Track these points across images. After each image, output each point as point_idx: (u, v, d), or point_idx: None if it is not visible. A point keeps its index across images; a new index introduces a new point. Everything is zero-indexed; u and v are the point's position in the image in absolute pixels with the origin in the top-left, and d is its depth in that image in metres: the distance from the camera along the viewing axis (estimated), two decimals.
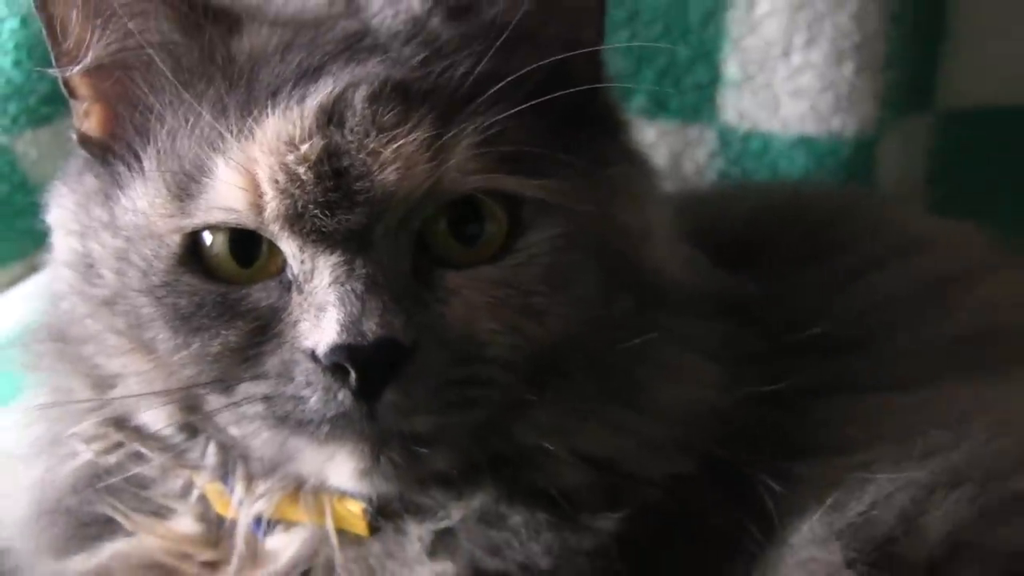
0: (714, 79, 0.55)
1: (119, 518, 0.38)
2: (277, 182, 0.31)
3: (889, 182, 0.58)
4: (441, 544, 0.35)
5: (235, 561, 0.36)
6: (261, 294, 0.33)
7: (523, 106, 0.32)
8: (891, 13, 0.52)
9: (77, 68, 0.35)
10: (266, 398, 0.32)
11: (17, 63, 0.55)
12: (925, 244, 0.47)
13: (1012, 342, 0.43)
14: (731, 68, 0.54)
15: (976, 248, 0.48)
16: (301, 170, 0.31)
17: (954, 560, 0.35)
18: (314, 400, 0.31)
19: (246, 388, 0.32)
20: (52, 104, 0.57)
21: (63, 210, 0.37)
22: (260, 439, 0.34)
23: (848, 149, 0.55)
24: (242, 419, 0.34)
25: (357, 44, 0.35)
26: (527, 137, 0.33)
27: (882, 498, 0.36)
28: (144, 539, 0.38)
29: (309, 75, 0.33)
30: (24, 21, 0.56)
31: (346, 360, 0.30)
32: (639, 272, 0.37)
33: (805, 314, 0.40)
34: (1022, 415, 0.38)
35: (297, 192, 0.31)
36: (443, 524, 0.35)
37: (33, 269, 0.58)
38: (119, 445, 0.38)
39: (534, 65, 0.33)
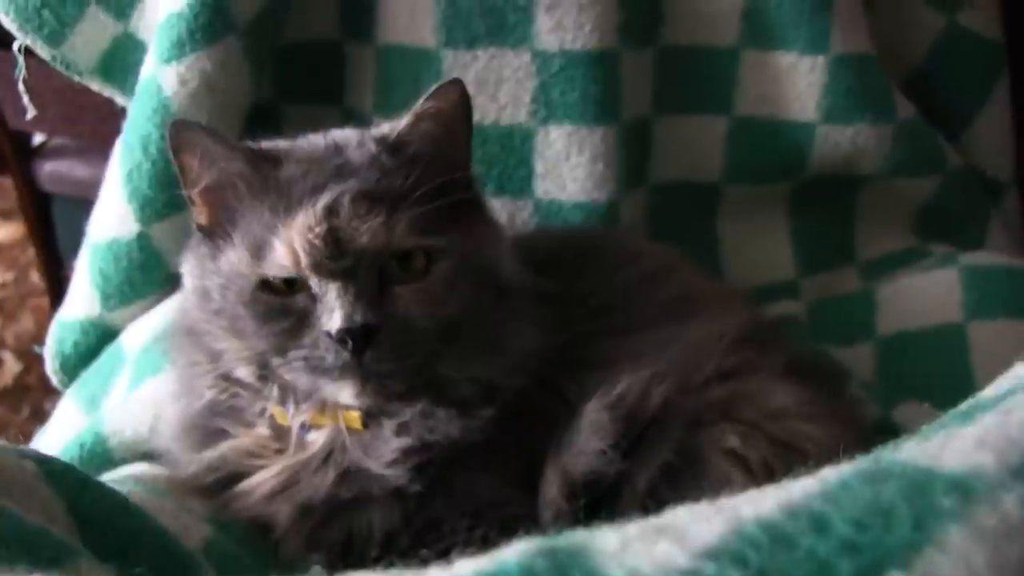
0: (529, 174, 0.80)
1: (228, 428, 0.60)
2: (305, 250, 0.53)
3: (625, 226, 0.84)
4: (401, 429, 0.57)
5: (291, 449, 0.58)
6: (299, 302, 0.55)
7: (433, 204, 0.55)
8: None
9: (195, 190, 0.58)
10: (304, 358, 0.55)
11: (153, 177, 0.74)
12: (646, 254, 0.72)
13: (696, 303, 0.67)
14: (539, 168, 0.80)
15: (674, 254, 0.74)
16: (317, 242, 0.53)
17: (664, 413, 0.57)
18: (330, 358, 0.54)
19: (293, 353, 0.55)
20: (176, 207, 0.75)
21: (189, 263, 0.60)
22: (301, 380, 0.56)
23: (603, 209, 0.81)
24: (292, 370, 0.56)
25: (342, 171, 0.56)
26: (435, 215, 0.56)
27: (627, 387, 0.57)
28: (242, 440, 0.59)
29: (318, 189, 0.55)
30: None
31: (346, 336, 0.53)
32: (495, 279, 0.60)
33: (586, 296, 0.64)
34: (694, 341, 0.61)
35: (315, 254, 0.53)
36: (401, 419, 0.57)
37: (157, 300, 0.78)
38: (225, 389, 0.60)
39: (438, 180, 0.56)
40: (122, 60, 0.83)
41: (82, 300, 0.80)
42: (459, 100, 0.57)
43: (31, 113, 0.92)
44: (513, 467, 0.58)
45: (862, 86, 0.83)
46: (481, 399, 0.57)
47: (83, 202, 1.05)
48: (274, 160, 0.57)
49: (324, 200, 0.53)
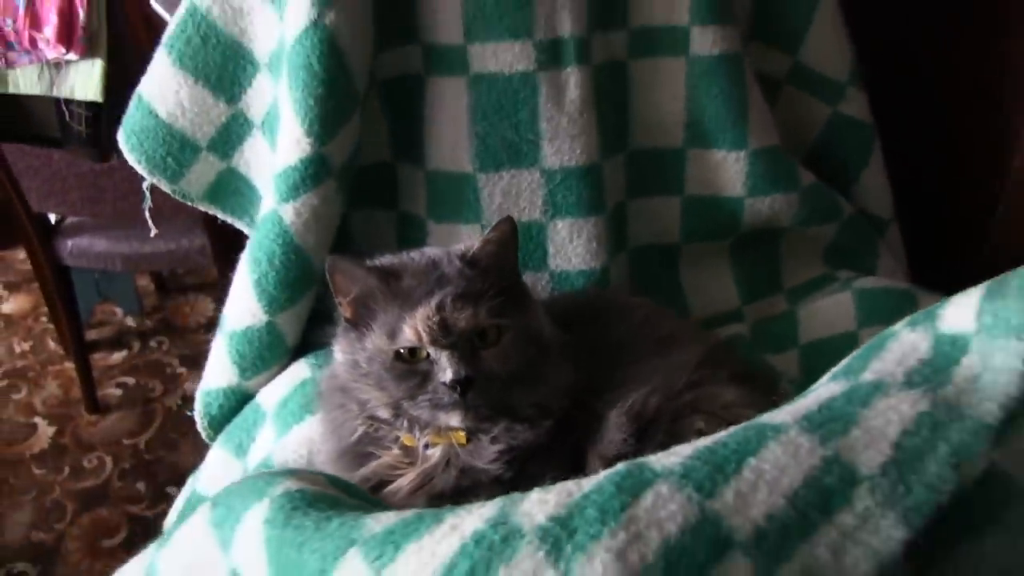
0: (544, 255, 1.10)
1: (374, 452, 0.83)
2: (425, 332, 0.76)
3: (614, 283, 1.13)
4: (494, 440, 0.78)
5: (419, 461, 0.80)
6: (422, 365, 0.77)
7: (499, 297, 0.77)
8: None
9: (345, 299, 0.82)
10: (429, 400, 0.77)
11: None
12: (635, 308, 0.96)
13: (673, 340, 0.90)
14: (551, 250, 1.09)
15: (652, 306, 0.99)
16: (433, 327, 0.76)
17: (658, 413, 0.79)
18: (446, 398, 0.76)
19: (421, 398, 0.77)
20: (292, 302, 1.03)
21: (340, 344, 0.83)
22: (424, 414, 0.78)
23: (597, 274, 1.10)
24: (418, 408, 0.78)
25: (441, 280, 0.79)
26: (501, 304, 0.78)
27: (634, 399, 0.79)
28: (385, 458, 0.82)
29: (429, 293, 0.78)
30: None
31: (455, 384, 0.75)
32: (540, 339, 0.82)
33: (598, 342, 0.88)
34: (672, 365, 0.83)
35: (432, 334, 0.75)
36: (493, 434, 0.78)
37: (281, 369, 1.05)
38: (371, 425, 0.83)
39: (500, 282, 0.79)
40: (225, 188, 1.11)
41: (222, 372, 1.06)
42: (511, 231, 0.82)
43: (153, 232, 1.26)
44: (566, 457, 0.80)
45: (773, 168, 1.12)
46: (540, 416, 0.80)
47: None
48: (396, 275, 0.82)
49: (435, 300, 0.78)
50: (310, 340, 1.09)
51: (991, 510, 0.53)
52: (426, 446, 0.82)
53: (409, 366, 0.79)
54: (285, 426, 0.99)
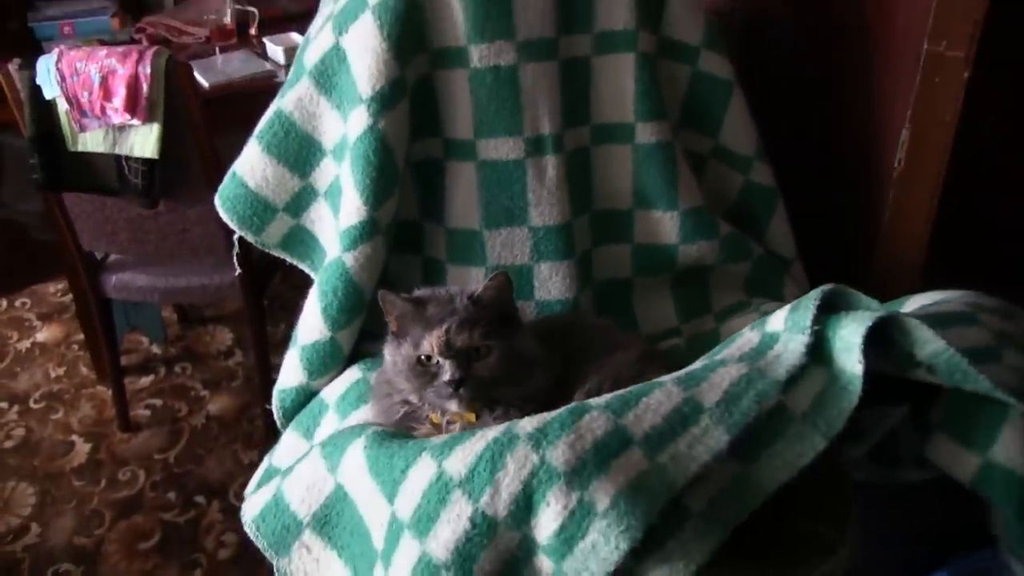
0: (531, 289, 1.45)
1: (414, 425, 1.14)
2: (436, 346, 1.08)
3: (583, 309, 1.55)
4: (494, 420, 1.08)
5: (444, 431, 1.10)
6: (433, 368, 1.10)
7: (491, 326, 1.09)
8: None
9: (391, 317, 1.17)
10: (435, 391, 1.11)
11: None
12: (596, 327, 1.29)
13: (621, 346, 1.20)
14: (536, 285, 1.48)
15: (609, 324, 1.33)
16: (442, 344, 1.09)
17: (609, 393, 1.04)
18: (444, 392, 1.10)
19: (431, 389, 1.11)
20: (348, 324, 1.40)
21: (388, 348, 1.18)
22: (433, 400, 1.11)
23: (571, 302, 1.47)
24: (428, 397, 1.12)
25: (452, 311, 1.11)
26: (491, 330, 1.10)
27: (591, 384, 1.12)
28: (420, 431, 1.12)
29: (442, 319, 1.10)
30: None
31: (451, 383, 1.09)
32: (522, 355, 1.12)
33: (570, 351, 1.18)
34: (619, 362, 1.16)
35: (440, 348, 1.08)
36: (495, 414, 1.10)
37: (339, 372, 1.42)
38: (407, 406, 1.15)
39: (495, 315, 1.11)
40: (294, 240, 1.47)
41: (294, 375, 1.41)
42: (505, 281, 1.13)
43: (237, 272, 1.75)
44: None
45: (699, 223, 1.48)
46: (527, 403, 1.10)
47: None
48: (423, 303, 1.14)
49: (445, 325, 1.09)
50: (360, 351, 1.46)
51: (778, 427, 1.03)
52: (449, 422, 1.15)
53: (425, 368, 1.13)
54: (344, 414, 1.34)
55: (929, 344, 0.99)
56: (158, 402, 2.65)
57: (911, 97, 1.38)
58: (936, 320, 1.04)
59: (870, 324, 0.99)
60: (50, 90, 1.98)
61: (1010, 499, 0.97)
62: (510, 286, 1.17)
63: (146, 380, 2.75)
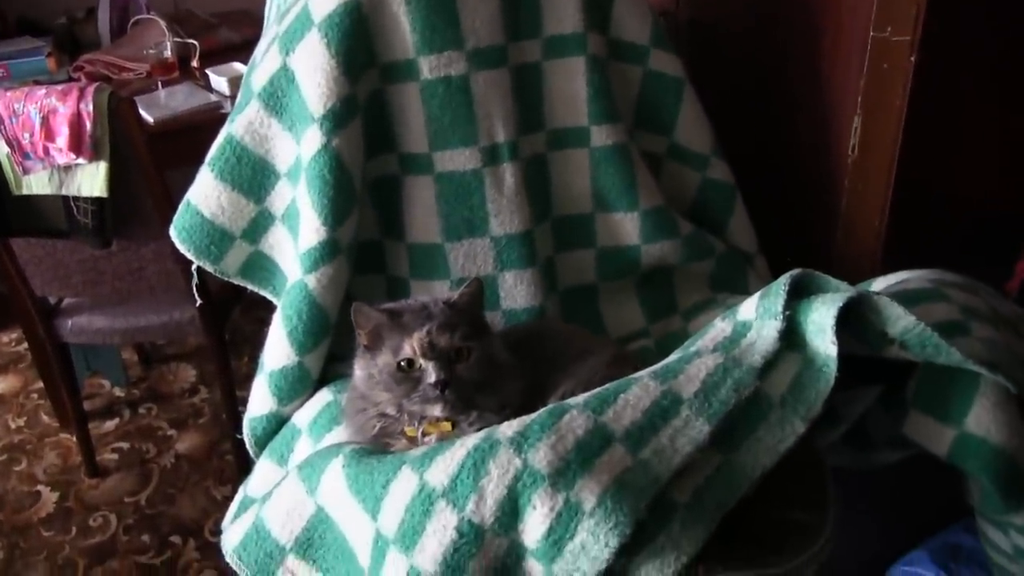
0: (497, 298, 1.45)
1: (390, 441, 1.11)
2: (418, 349, 1.06)
3: (550, 315, 1.55)
4: (470, 427, 1.07)
5: (419, 444, 1.07)
6: (415, 373, 1.07)
7: (468, 328, 1.08)
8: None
9: (363, 331, 1.13)
10: (420, 396, 1.08)
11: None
12: (565, 332, 1.32)
13: (592, 351, 1.21)
14: (502, 294, 1.50)
15: (579, 329, 1.40)
16: (424, 346, 1.07)
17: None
18: (431, 394, 1.07)
19: (415, 395, 1.08)
20: (315, 347, 1.38)
21: (360, 363, 1.14)
22: (417, 407, 1.08)
23: (537, 309, 1.46)
24: (412, 403, 1.09)
25: (429, 315, 1.10)
26: (469, 333, 1.09)
27: (565, 388, 1.11)
28: (395, 447, 1.09)
29: (421, 324, 1.09)
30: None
31: (436, 384, 1.06)
32: (496, 359, 1.12)
33: (539, 357, 1.19)
34: (590, 366, 1.16)
35: (423, 350, 1.07)
36: (469, 421, 1.08)
37: (308, 397, 1.39)
38: (383, 420, 1.12)
39: (469, 318, 1.11)
40: (254, 266, 1.44)
41: (264, 402, 1.39)
42: (479, 288, 1.15)
43: (198, 303, 1.71)
44: None
45: (660, 222, 1.49)
46: (502, 410, 1.10)
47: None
48: (399, 314, 1.12)
49: (426, 328, 1.09)
50: (328, 373, 1.44)
51: (757, 413, 1.03)
52: (424, 435, 1.13)
53: (406, 374, 1.12)
54: (318, 437, 1.32)
55: (900, 320, 0.99)
56: (125, 445, 2.61)
57: (861, 84, 1.39)
58: (904, 298, 1.05)
59: (841, 305, 0.99)
60: None
61: (985, 467, 0.98)
62: (483, 293, 1.18)
63: (111, 424, 2.70)
